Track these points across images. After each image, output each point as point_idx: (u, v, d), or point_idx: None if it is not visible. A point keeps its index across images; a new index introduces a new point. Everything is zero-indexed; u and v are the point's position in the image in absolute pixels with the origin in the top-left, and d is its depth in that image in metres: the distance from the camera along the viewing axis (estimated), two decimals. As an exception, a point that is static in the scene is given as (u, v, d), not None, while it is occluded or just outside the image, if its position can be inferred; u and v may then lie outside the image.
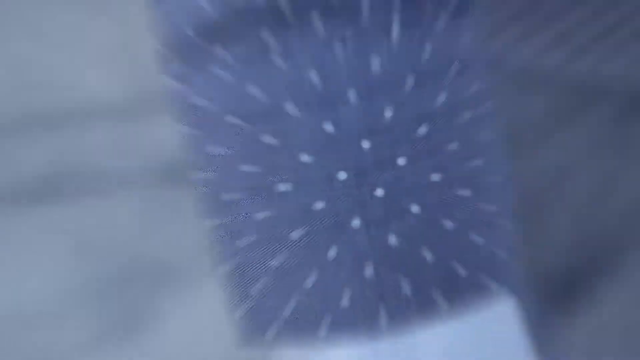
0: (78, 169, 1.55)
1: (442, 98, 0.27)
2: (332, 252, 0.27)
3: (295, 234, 0.27)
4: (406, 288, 0.26)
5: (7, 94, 1.59)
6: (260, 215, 0.27)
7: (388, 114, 0.26)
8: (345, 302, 0.27)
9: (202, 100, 0.27)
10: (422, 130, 0.27)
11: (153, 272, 1.33)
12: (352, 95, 0.26)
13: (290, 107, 0.26)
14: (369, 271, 0.26)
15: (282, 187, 0.27)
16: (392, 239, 0.26)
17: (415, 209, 0.26)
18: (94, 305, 1.30)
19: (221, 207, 0.28)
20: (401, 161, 0.26)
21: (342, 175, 0.26)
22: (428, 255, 0.26)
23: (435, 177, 0.27)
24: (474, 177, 0.27)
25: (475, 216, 0.27)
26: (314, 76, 0.26)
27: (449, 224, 0.27)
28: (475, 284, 0.27)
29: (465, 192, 0.27)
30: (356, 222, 0.26)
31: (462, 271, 0.27)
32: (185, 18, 0.27)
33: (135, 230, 1.45)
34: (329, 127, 0.26)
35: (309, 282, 0.27)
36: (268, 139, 0.26)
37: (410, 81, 0.26)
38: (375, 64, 0.26)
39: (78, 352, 1.34)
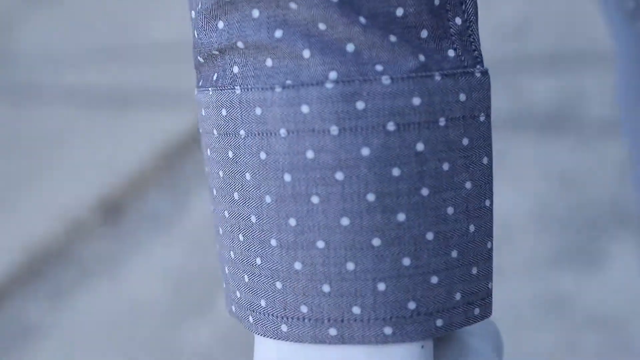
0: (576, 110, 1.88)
1: (366, 151, 0.29)
2: (258, 260, 0.32)
3: (241, 237, 0.32)
4: (304, 310, 0.31)
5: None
6: (226, 213, 0.33)
7: (310, 154, 0.29)
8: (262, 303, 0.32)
9: (203, 111, 0.33)
10: (339, 175, 0.29)
11: (606, 215, 1.49)
12: (282, 132, 0.30)
13: (242, 132, 0.31)
14: (279, 285, 0.31)
15: (236, 195, 0.32)
16: (297, 265, 0.30)
17: (321, 245, 0.30)
18: (553, 231, 1.47)
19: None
20: (315, 199, 0.30)
21: (268, 199, 0.30)
22: (326, 288, 0.30)
23: (345, 220, 0.30)
24: (384, 227, 0.30)
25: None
26: (258, 110, 0.30)
27: (351, 265, 0.30)
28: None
29: (374, 242, 0.30)
30: (274, 242, 0.31)
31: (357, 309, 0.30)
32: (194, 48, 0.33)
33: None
34: (263, 155, 0.30)
35: (246, 278, 0.32)
36: (230, 154, 0.32)
37: (334, 130, 0.29)
38: (305, 109, 0.29)
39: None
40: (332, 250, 0.30)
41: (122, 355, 1.37)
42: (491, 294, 0.32)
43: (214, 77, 0.32)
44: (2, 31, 2.43)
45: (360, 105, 0.29)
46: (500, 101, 1.85)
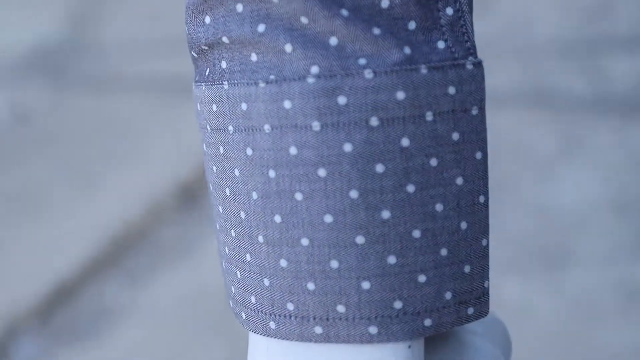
0: None
1: (348, 147, 0.28)
2: (247, 256, 0.31)
3: (233, 233, 0.32)
4: (290, 307, 0.30)
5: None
6: (220, 208, 0.33)
7: (293, 150, 0.29)
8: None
9: (198, 106, 0.33)
10: (321, 172, 0.29)
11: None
12: (267, 127, 0.29)
13: (230, 127, 0.31)
14: (266, 282, 0.31)
15: (228, 191, 0.32)
16: (283, 262, 0.30)
17: (305, 242, 0.29)
18: (634, 219, 1.43)
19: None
20: (298, 196, 0.29)
21: (254, 196, 0.30)
22: (311, 286, 0.30)
23: (328, 218, 0.29)
24: (368, 225, 0.29)
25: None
26: (244, 106, 0.30)
27: (335, 263, 0.29)
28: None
29: (358, 240, 0.29)
30: (261, 238, 0.30)
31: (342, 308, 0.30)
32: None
33: None
34: (249, 151, 0.30)
35: (238, 274, 0.32)
36: (221, 149, 0.32)
37: (316, 126, 0.29)
38: (288, 104, 0.29)
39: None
40: (316, 248, 0.29)
41: (197, 337, 1.40)
42: (487, 293, 0.31)
43: (207, 72, 0.32)
44: (85, 23, 2.49)
45: (342, 100, 0.28)
46: (581, 84, 1.80)
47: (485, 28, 1.97)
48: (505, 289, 1.35)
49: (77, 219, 1.74)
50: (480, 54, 1.87)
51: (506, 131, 1.69)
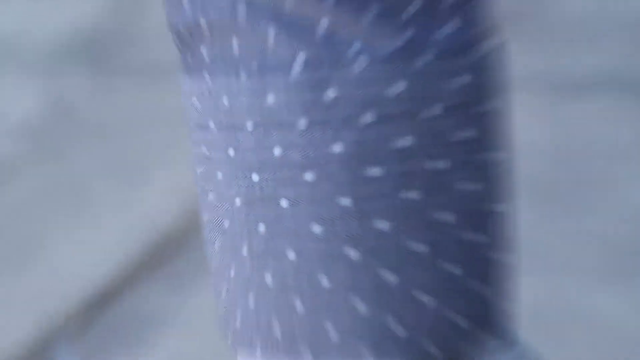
0: None
1: (337, 147, 0.26)
2: (232, 272, 0.28)
3: (217, 244, 0.29)
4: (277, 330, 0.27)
5: None
6: (205, 216, 0.30)
7: (277, 151, 0.26)
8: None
9: (183, 99, 0.30)
10: (308, 176, 0.26)
11: None
12: (249, 125, 0.26)
13: (211, 124, 0.28)
14: (251, 300, 0.27)
15: (211, 196, 0.29)
16: (268, 278, 0.27)
17: (291, 255, 0.26)
18: None
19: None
20: (284, 202, 0.26)
21: (237, 202, 0.27)
22: (298, 305, 0.26)
23: (316, 228, 0.26)
24: (361, 236, 0.26)
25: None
26: (225, 99, 0.27)
27: (324, 279, 0.26)
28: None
29: (350, 253, 0.26)
30: (244, 249, 0.27)
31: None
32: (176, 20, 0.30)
33: None
34: (231, 152, 0.27)
35: (223, 293, 0.29)
36: (204, 149, 0.28)
37: (302, 123, 0.26)
38: (271, 99, 0.26)
39: None
40: (303, 261, 0.26)
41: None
42: (509, 317, 0.27)
43: (189, 61, 0.29)
44: (127, 11, 2.51)
45: (330, 93, 0.25)
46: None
47: (575, 5, 1.90)
48: (597, 300, 1.29)
49: (120, 217, 1.74)
50: (571, 35, 1.79)
51: (594, 123, 1.62)
